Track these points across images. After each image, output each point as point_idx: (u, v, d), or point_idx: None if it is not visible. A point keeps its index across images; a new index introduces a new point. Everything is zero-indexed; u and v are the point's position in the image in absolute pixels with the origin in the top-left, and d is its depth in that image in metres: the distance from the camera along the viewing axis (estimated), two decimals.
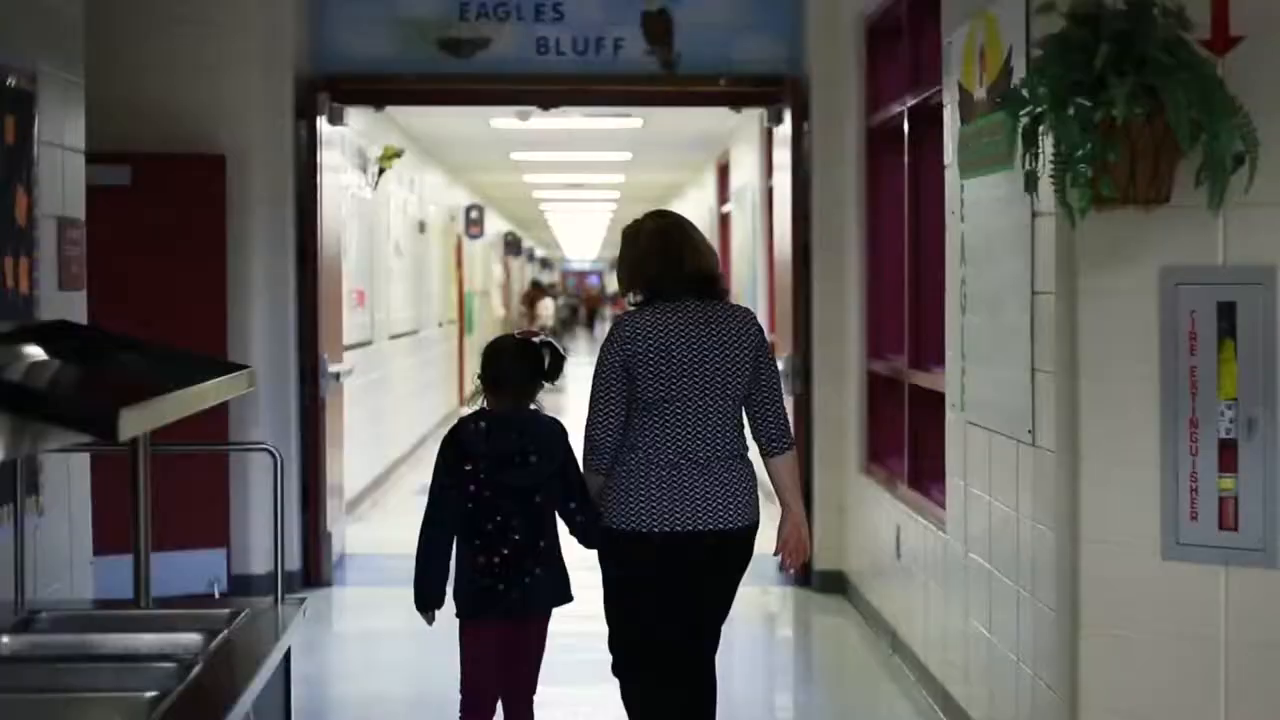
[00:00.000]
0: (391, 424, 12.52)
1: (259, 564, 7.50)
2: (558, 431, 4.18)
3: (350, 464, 9.20)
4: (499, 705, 4.35)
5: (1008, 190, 4.43)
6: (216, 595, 7.43)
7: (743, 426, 4.19)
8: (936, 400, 5.68)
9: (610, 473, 4.11)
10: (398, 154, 11.35)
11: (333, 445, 8.14)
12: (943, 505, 5.50)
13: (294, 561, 7.81)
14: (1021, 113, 3.66)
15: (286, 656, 3.72)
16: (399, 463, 12.62)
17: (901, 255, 6.47)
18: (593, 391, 4.12)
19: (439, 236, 16.55)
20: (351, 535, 8.93)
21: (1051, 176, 3.62)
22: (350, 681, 6.50)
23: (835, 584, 7.61)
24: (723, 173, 14.37)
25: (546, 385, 4.26)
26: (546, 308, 27.27)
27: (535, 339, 4.31)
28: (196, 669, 3.15)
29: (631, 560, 4.09)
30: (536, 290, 28.81)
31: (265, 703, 3.41)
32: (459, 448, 4.15)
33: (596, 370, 4.12)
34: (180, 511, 7.30)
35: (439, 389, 16.67)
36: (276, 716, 3.72)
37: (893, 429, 6.77)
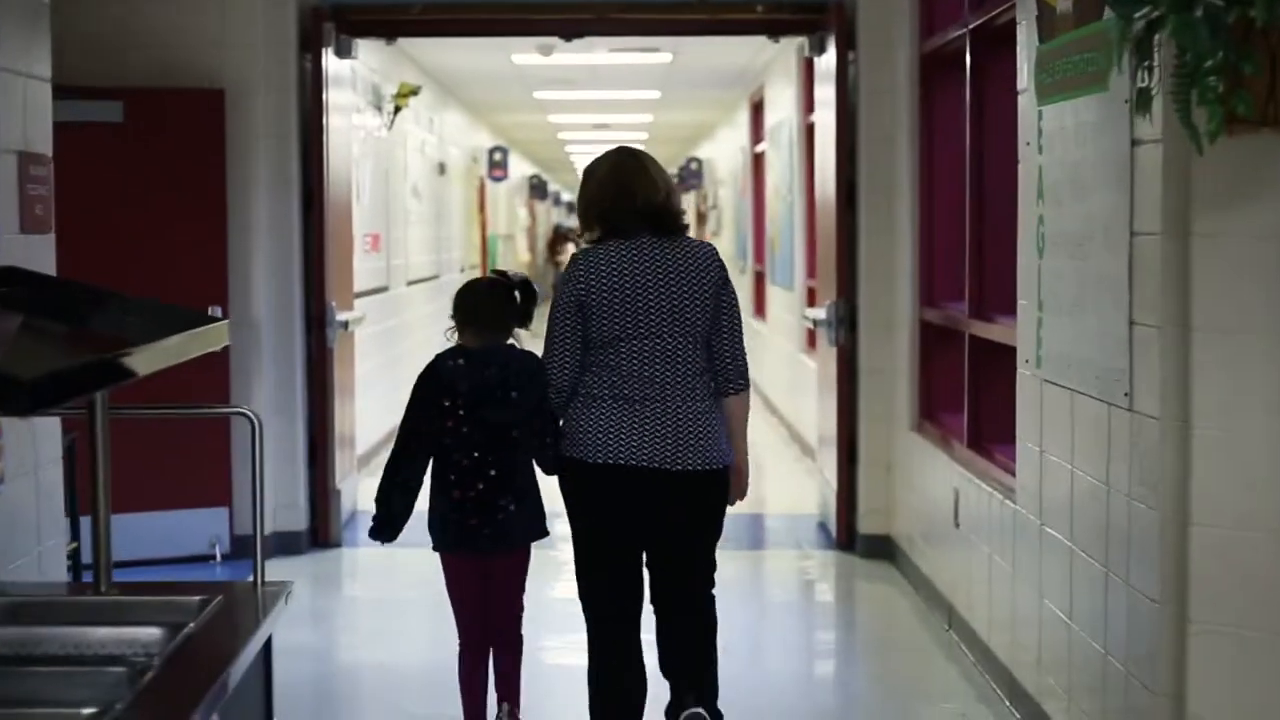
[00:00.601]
0: (409, 372, 12.03)
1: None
2: (535, 366, 4.14)
3: (365, 415, 8.75)
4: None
5: (1100, 115, 3.86)
6: (218, 556, 7.11)
7: (706, 366, 4.08)
8: (1001, 353, 5.16)
9: (566, 408, 4.10)
10: (414, 91, 10.83)
11: (342, 397, 7.73)
12: (1010, 471, 4.96)
13: (301, 521, 7.47)
14: (1136, 15, 3.06)
15: (267, 647, 3.29)
16: None
17: (961, 193, 5.92)
18: (548, 329, 4.09)
19: (460, 179, 16.11)
20: (365, 491, 8.47)
21: (1172, 92, 3.04)
22: (357, 650, 6.11)
23: (882, 549, 7.10)
24: (757, 110, 13.81)
25: (524, 330, 4.31)
26: (569, 252, 26.80)
27: (508, 277, 4.32)
28: (149, 675, 2.73)
29: (582, 487, 4.08)
30: (559, 235, 28.34)
31: (241, 701, 2.99)
32: (437, 383, 4.20)
33: (552, 308, 4.07)
34: (181, 469, 6.98)
35: None
36: (255, 717, 3.26)
37: (948, 383, 6.25)
